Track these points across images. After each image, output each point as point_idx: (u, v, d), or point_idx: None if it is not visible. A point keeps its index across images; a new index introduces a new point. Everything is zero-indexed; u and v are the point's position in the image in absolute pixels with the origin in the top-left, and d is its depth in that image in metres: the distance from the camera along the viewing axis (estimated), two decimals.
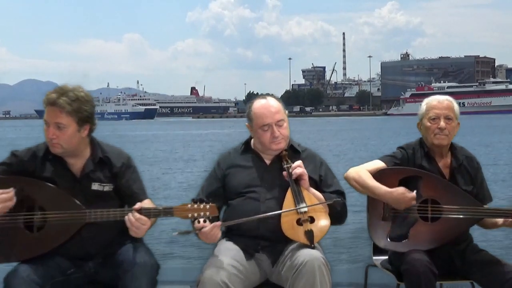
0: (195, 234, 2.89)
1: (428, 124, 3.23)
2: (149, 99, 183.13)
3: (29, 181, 2.89)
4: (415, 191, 3.12)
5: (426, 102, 3.30)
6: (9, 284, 2.72)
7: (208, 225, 2.84)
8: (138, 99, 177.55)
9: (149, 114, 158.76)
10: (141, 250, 2.90)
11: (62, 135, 2.87)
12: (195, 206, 2.79)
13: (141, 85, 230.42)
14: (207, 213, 2.80)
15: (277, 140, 3.09)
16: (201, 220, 2.82)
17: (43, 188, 2.88)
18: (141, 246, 2.96)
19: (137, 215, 2.79)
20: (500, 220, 3.16)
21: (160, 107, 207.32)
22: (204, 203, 2.80)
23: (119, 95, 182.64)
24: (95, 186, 2.94)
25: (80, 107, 2.87)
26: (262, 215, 2.94)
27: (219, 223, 2.90)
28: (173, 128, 75.14)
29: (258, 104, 3.14)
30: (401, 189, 3.11)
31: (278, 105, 3.14)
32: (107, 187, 2.97)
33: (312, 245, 2.87)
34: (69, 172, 2.96)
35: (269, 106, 3.12)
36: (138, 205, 2.82)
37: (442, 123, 3.19)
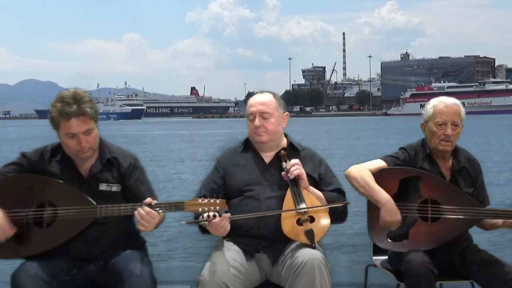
0: (199, 226, 2.94)
1: (435, 129, 3.20)
2: (136, 100, 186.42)
3: (40, 178, 2.94)
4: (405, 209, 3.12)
5: (433, 104, 3.24)
6: (17, 281, 2.74)
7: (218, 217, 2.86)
8: (126, 100, 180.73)
9: (135, 114, 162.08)
10: (141, 261, 2.91)
11: (91, 139, 2.92)
12: (206, 200, 2.85)
13: (129, 85, 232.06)
14: (217, 208, 2.85)
15: (258, 131, 3.12)
16: (211, 213, 2.86)
17: (54, 185, 2.93)
18: (143, 256, 2.99)
19: (147, 208, 2.82)
20: (499, 221, 3.16)
21: (160, 107, 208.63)
22: (214, 198, 2.86)
23: (107, 96, 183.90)
24: (103, 187, 2.97)
25: (94, 107, 2.92)
26: (265, 212, 2.95)
27: (228, 215, 2.91)
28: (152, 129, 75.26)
29: (252, 96, 3.23)
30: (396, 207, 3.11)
31: (270, 99, 3.18)
32: (115, 188, 3.00)
33: (313, 245, 2.87)
34: (77, 173, 2.99)
35: (258, 97, 3.20)
36: (148, 199, 2.86)
37: (449, 131, 3.17)
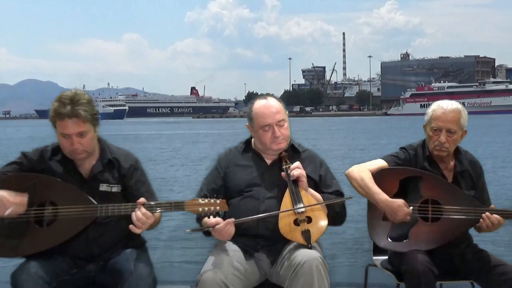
0: (203, 232, 2.94)
1: (430, 133, 3.19)
2: (119, 100, 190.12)
3: (41, 177, 2.95)
4: (411, 207, 3.10)
5: (433, 109, 3.21)
6: (17, 279, 2.74)
7: (222, 222, 2.85)
8: (108, 100, 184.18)
9: (118, 115, 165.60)
10: (142, 261, 2.91)
11: (85, 142, 2.91)
12: (206, 201, 2.85)
13: (112, 87, 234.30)
14: (217, 208, 2.86)
15: (278, 140, 3.09)
16: (211, 217, 2.86)
17: (55, 184, 2.93)
18: (143, 256, 2.99)
19: (144, 210, 2.82)
20: (483, 226, 3.07)
21: (160, 107, 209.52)
22: (214, 198, 2.86)
23: (92, 96, 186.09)
24: (103, 187, 2.97)
25: (92, 110, 2.92)
26: (269, 214, 2.93)
27: (232, 219, 2.91)
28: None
29: (258, 104, 3.14)
30: (400, 201, 3.10)
31: (279, 105, 3.14)
32: (115, 188, 3.00)
33: (309, 245, 2.87)
34: (78, 173, 2.99)
35: (270, 106, 3.12)
36: (142, 199, 2.86)
37: (442, 137, 3.14)
